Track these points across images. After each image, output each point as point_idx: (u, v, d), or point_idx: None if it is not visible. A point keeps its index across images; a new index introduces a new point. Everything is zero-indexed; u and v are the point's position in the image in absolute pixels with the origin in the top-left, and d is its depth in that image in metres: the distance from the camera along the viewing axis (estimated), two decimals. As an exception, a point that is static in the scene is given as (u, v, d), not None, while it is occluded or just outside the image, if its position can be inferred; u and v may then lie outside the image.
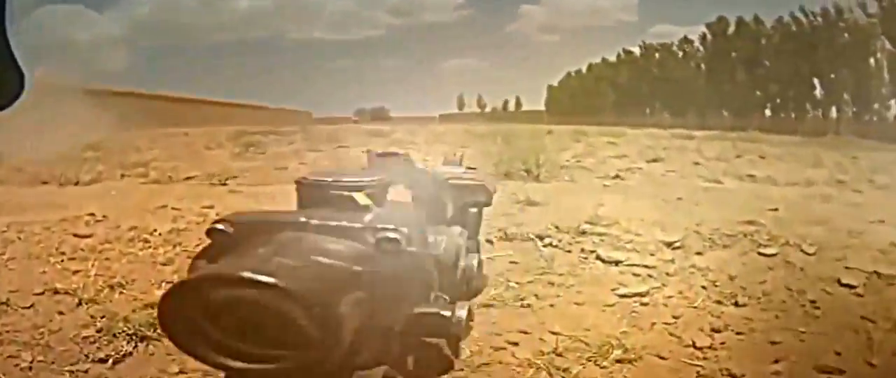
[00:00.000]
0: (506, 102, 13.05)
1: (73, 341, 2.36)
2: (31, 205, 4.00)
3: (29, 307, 2.55)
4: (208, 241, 0.49)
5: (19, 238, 3.21)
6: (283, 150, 6.98)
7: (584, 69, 13.63)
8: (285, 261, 0.42)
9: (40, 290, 2.66)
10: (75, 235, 3.28)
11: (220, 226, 0.49)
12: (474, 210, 0.89)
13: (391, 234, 0.44)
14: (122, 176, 5.58)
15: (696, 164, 6.77)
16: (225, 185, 5.13)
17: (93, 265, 2.91)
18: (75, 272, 2.86)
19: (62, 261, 2.97)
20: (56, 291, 2.65)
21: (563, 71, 14.15)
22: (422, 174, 0.63)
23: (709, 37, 12.76)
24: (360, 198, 0.50)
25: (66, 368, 2.22)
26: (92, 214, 3.59)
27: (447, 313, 0.49)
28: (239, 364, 0.42)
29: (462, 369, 2.15)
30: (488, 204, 0.95)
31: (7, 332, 2.39)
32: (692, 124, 11.17)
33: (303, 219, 0.47)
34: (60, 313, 2.52)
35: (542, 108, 13.50)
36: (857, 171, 7.61)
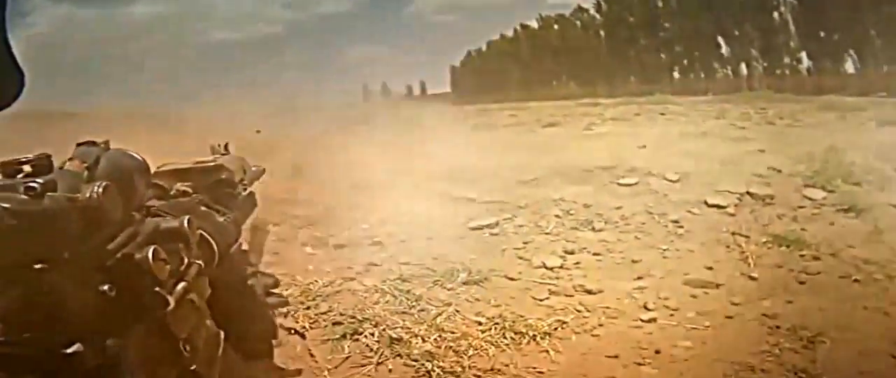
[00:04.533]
0: (410, 88, 13.00)
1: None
2: None
3: None
4: None
5: None
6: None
7: (484, 47, 13.78)
8: None
9: None
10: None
11: None
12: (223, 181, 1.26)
13: (32, 184, 0.66)
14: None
15: (593, 124, 7.04)
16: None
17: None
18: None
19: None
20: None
21: (463, 50, 14.24)
22: (100, 152, 0.82)
23: (603, 5, 13.09)
24: (27, 168, 0.71)
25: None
26: None
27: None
28: None
29: (314, 298, 2.32)
30: (232, 180, 1.30)
31: None
32: (601, 93, 11.45)
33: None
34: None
35: (449, 89, 13.57)
36: (761, 118, 8.02)
